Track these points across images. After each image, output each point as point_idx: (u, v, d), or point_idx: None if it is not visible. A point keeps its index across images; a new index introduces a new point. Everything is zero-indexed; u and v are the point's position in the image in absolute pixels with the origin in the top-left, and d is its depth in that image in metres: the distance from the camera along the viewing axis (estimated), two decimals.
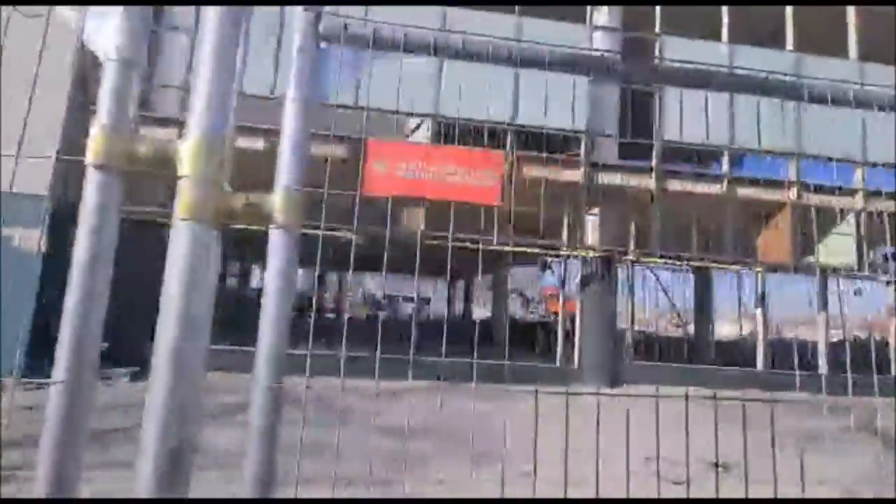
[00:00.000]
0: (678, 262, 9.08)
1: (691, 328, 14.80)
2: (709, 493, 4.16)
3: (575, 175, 8.25)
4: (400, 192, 1.40)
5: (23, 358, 6.00)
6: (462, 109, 8.14)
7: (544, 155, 7.92)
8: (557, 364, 8.60)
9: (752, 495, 3.87)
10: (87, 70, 7.43)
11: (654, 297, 14.05)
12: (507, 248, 7.58)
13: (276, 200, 0.63)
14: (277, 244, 0.65)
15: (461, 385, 7.05)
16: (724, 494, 4.18)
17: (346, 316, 26.26)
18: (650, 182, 8.47)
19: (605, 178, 8.43)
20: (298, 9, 0.72)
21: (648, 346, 10.57)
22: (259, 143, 7.37)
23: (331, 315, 24.44)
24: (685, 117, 7.75)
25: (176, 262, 0.62)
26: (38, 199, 6.39)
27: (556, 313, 11.66)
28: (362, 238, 7.85)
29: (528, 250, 8.27)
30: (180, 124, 7.64)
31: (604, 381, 7.78)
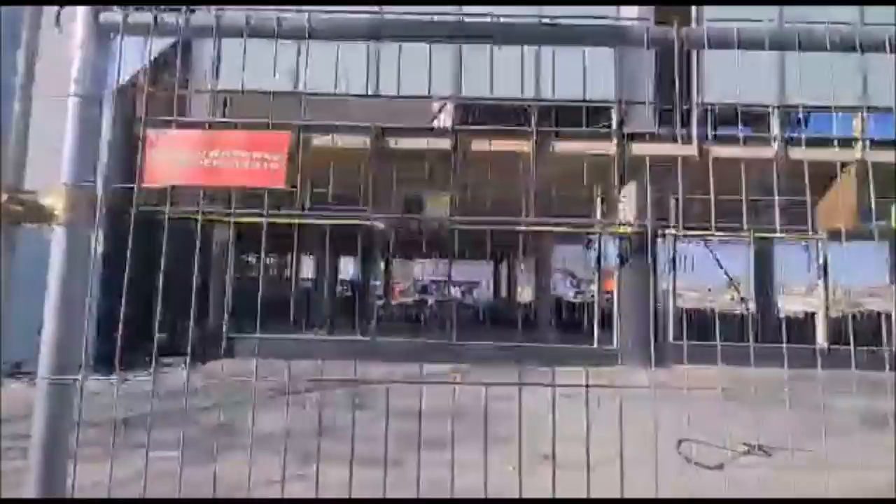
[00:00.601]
0: (729, 234, 8.44)
1: (753, 304, 13.82)
2: (741, 478, 3.90)
3: (607, 147, 7.84)
4: (181, 180, 1.38)
5: (91, 350, 6.65)
6: (483, 89, 7.93)
7: (572, 129, 7.59)
8: (595, 345, 8.34)
9: (788, 482, 3.57)
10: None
11: (709, 273, 13.23)
12: (535, 229, 7.38)
13: (58, 198, 0.63)
14: (61, 241, 0.65)
15: (495, 368, 7.02)
16: (757, 480, 3.90)
17: (392, 302, 26.87)
18: (692, 149, 7.88)
19: (641, 149, 7.95)
20: (80, 7, 0.71)
21: (701, 324, 9.99)
22: None
23: (379, 301, 25.06)
24: (728, 78, 7.11)
25: None
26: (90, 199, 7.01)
27: (609, 292, 11.30)
28: (386, 225, 7.95)
29: (559, 229, 8.01)
30: (212, 126, 8.03)
31: (644, 362, 7.45)
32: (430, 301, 31.05)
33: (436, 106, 8.88)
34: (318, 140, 7.99)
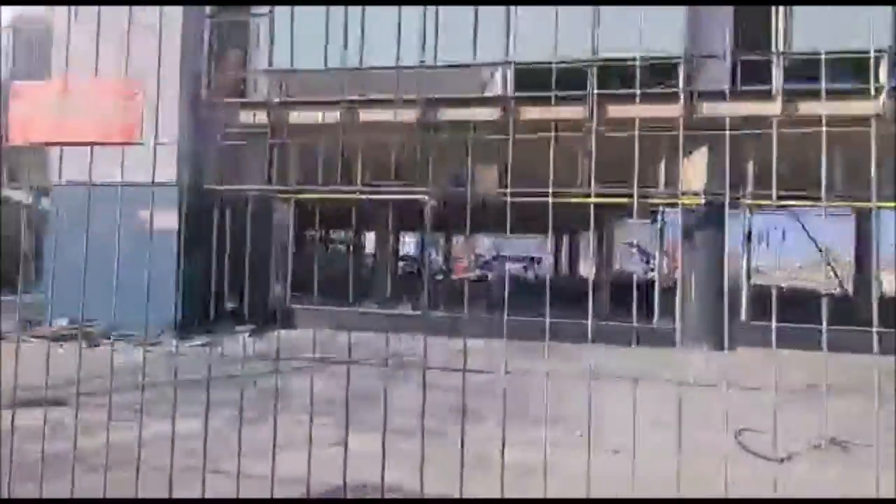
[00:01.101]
0: (816, 204, 7.45)
1: (850, 284, 12.29)
2: (803, 474, 3.50)
3: (672, 109, 7.14)
4: (41, 138, 1.32)
5: (171, 318, 7.40)
6: (536, 52, 7.52)
7: (633, 91, 6.97)
8: (655, 324, 7.85)
9: (855, 480, 3.17)
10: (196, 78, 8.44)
11: (800, 248, 11.90)
12: (591, 200, 6.98)
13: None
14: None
15: (535, 345, 6.87)
16: (822, 477, 3.49)
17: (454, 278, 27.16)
18: (774, 107, 6.96)
19: (713, 109, 7.15)
20: None
21: (784, 304, 9.04)
22: (335, 115, 7.74)
23: (439, 277, 25.43)
24: (821, 21, 6.14)
25: None
26: (169, 187, 7.67)
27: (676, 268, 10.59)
28: (435, 199, 7.91)
29: (617, 201, 7.51)
30: (270, 106, 8.35)
31: (709, 344, 6.90)
32: (491, 276, 31.07)
33: (487, 73, 8.58)
34: (368, 115, 8.05)
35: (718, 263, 7.30)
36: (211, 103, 8.14)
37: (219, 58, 8.62)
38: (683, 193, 7.69)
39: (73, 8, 5.88)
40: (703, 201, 7.39)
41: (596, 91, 7.46)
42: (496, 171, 7.52)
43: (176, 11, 8.20)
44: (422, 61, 7.56)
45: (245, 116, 8.30)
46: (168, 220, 7.74)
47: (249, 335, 7.72)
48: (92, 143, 0.82)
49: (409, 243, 30.37)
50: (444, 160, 8.00)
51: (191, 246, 7.64)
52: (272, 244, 8.95)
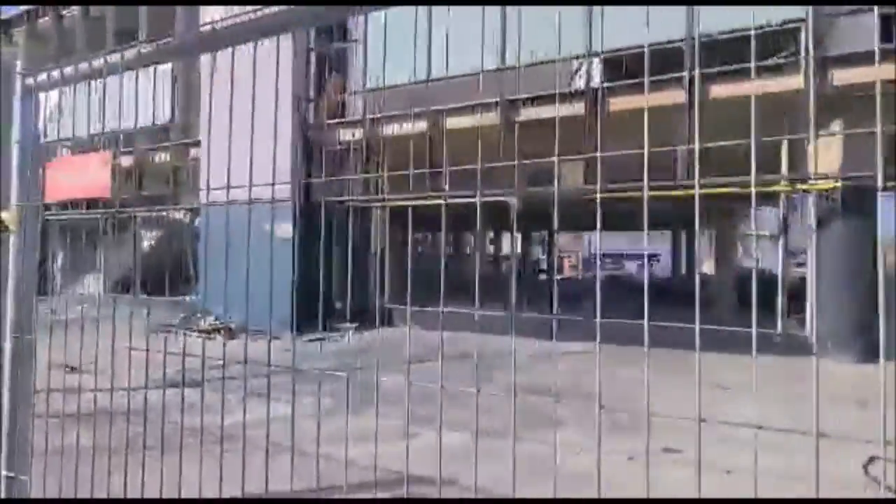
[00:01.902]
0: None
1: None
2: None
3: (790, 82, 6.15)
4: (56, 196, 1.54)
5: (288, 316, 8.47)
6: (623, 39, 7.07)
7: (739, 67, 6.18)
8: (779, 330, 6.80)
9: None
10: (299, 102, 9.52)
11: None
12: (691, 192, 6.35)
13: (7, 215, 0.94)
14: (10, 248, 0.95)
15: (633, 351, 6.44)
16: None
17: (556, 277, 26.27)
18: None
19: (847, 77, 6.00)
20: (19, 64, 0.99)
21: None
22: (423, 125, 8.12)
23: (542, 276, 24.86)
24: None
25: None
26: (286, 202, 8.80)
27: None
28: (518, 199, 7.82)
29: (724, 190, 6.66)
30: (364, 123, 9.06)
31: (850, 355, 5.79)
32: (601, 275, 29.43)
33: (573, 66, 8.28)
34: (453, 121, 8.30)
35: (862, 257, 6.08)
36: (317, 126, 9.13)
37: (322, 84, 9.63)
38: (816, 178, 6.57)
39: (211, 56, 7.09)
40: (833, 185, 6.23)
41: (697, 70, 6.76)
42: (581, 167, 7.21)
43: (286, 49, 9.35)
44: (501, 64, 7.59)
45: (345, 134, 9.15)
46: (286, 231, 8.89)
47: (353, 332, 8.49)
48: (79, 198, 1.08)
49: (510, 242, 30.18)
50: (528, 159, 7.91)
51: (305, 253, 8.67)
52: (371, 249, 9.71)
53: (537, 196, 8.12)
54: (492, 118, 7.94)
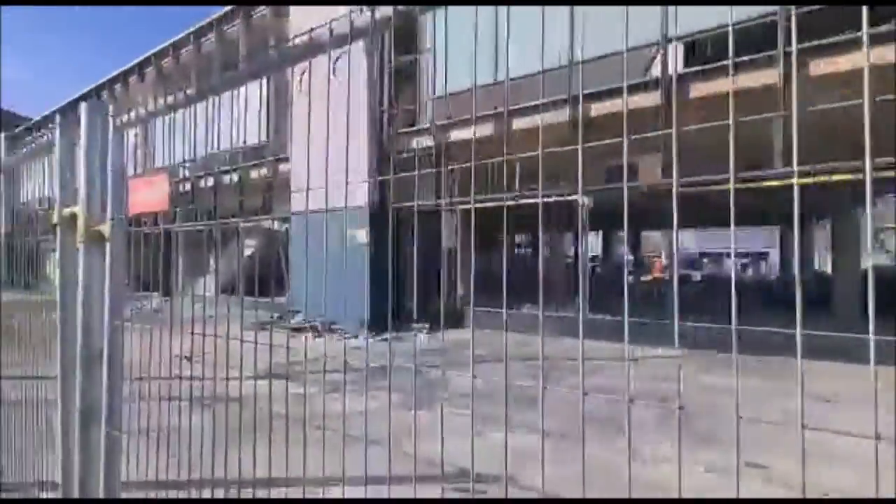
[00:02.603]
0: None
1: None
2: None
3: None
4: (134, 210, 1.64)
5: (366, 316, 8.96)
6: (702, 20, 6.54)
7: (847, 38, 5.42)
8: None
9: None
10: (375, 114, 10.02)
11: None
12: (789, 181, 5.68)
13: (107, 229, 1.17)
14: (95, 258, 1.18)
15: (723, 357, 5.89)
16: None
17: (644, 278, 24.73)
18: None
19: None
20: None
21: None
22: (488, 129, 8.16)
23: (630, 278, 23.49)
24: None
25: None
26: (362, 209, 9.32)
27: None
28: (589, 198, 7.51)
29: (840, 178, 5.84)
30: (433, 130, 9.29)
31: None
32: (698, 276, 27.24)
33: (651, 53, 7.80)
34: (523, 122, 8.23)
35: None
36: (390, 135, 9.57)
37: (395, 94, 10.06)
38: None
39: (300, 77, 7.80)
40: None
41: (795, 46, 6.02)
42: (659, 160, 6.76)
43: (361, 60, 9.94)
44: (572, 61, 7.38)
45: (416, 141, 9.47)
46: (362, 236, 9.42)
47: (424, 333, 8.76)
48: (148, 212, 1.29)
49: (594, 242, 28.90)
50: (601, 156, 7.60)
51: (379, 256, 9.10)
52: (442, 251, 9.92)
53: (618, 193, 7.77)
54: (562, 115, 7.74)
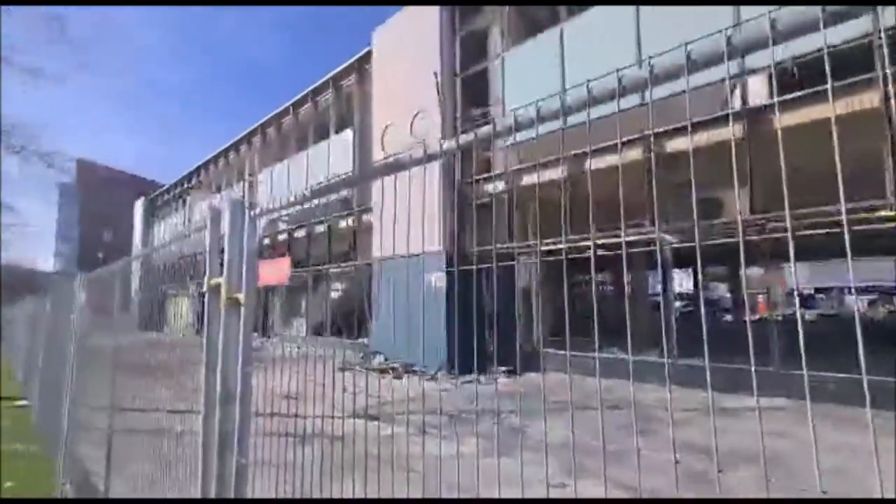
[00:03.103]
0: None
1: None
2: None
3: None
4: (263, 282, 1.79)
5: (443, 358, 9.14)
6: (789, 47, 6.28)
7: None
8: None
9: None
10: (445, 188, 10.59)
11: None
12: None
13: (242, 297, 1.51)
14: (232, 318, 1.51)
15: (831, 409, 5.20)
16: None
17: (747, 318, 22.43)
18: None
19: None
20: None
21: None
22: (563, 171, 8.25)
23: (728, 317, 21.46)
24: None
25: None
26: (439, 254, 9.73)
27: None
28: (676, 236, 7.19)
29: None
30: (507, 176, 9.58)
31: None
32: (812, 316, 24.20)
33: (725, 89, 7.56)
34: (598, 162, 8.25)
35: None
36: (465, 182, 10.03)
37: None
38: None
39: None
40: None
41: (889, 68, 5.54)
42: (746, 194, 6.39)
43: (436, 117, 10.66)
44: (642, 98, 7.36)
45: (490, 187, 9.82)
46: (440, 280, 9.77)
47: (506, 375, 8.70)
48: (272, 286, 1.58)
49: (684, 279, 26.93)
50: (679, 192, 7.35)
51: (460, 300, 9.34)
52: (518, 294, 9.93)
53: (707, 229, 7.41)
54: (636, 155, 7.67)
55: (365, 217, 12.93)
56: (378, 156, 12.31)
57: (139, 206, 30.24)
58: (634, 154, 7.63)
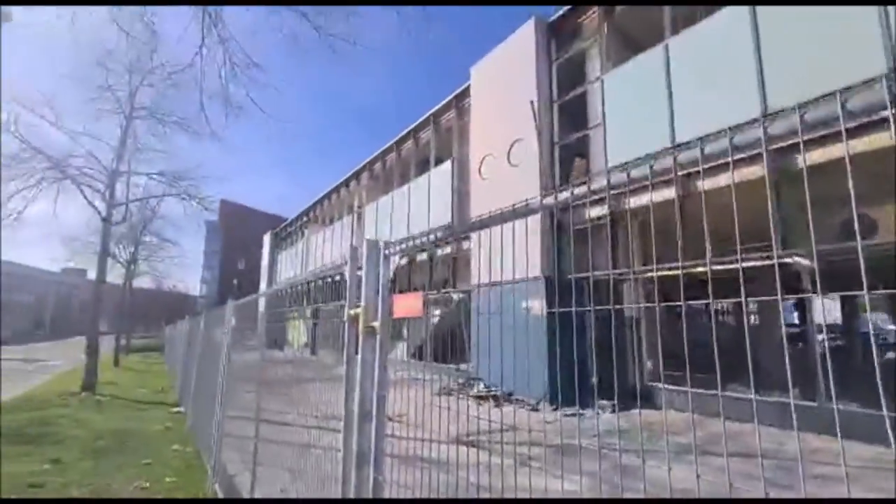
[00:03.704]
0: None
1: None
2: None
3: None
4: (395, 315, 1.77)
5: (547, 387, 8.89)
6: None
7: None
8: None
9: None
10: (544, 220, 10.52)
11: None
12: None
13: (378, 325, 1.73)
14: (368, 345, 1.71)
15: None
16: None
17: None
18: None
19: None
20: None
21: None
22: (667, 193, 7.76)
23: (891, 353, 17.89)
24: None
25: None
26: (538, 280, 9.62)
27: None
28: (810, 260, 6.29)
29: None
30: (608, 199, 9.24)
31: None
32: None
33: (883, 85, 6.62)
34: (710, 182, 7.65)
35: None
36: (564, 206, 9.87)
37: (567, 169, 10.48)
38: None
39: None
40: None
41: None
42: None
43: (534, 144, 10.74)
44: (763, 107, 6.75)
45: (591, 211, 9.55)
46: (537, 307, 9.63)
47: (611, 411, 8.19)
48: (404, 317, 1.73)
49: (830, 308, 23.11)
50: (826, 208, 6.50)
51: (562, 328, 9.12)
52: (622, 323, 9.37)
53: (848, 252, 6.44)
54: (753, 171, 6.98)
55: (465, 244, 13.31)
56: (476, 184, 12.71)
57: (267, 239, 34.46)
58: (753, 171, 6.95)
